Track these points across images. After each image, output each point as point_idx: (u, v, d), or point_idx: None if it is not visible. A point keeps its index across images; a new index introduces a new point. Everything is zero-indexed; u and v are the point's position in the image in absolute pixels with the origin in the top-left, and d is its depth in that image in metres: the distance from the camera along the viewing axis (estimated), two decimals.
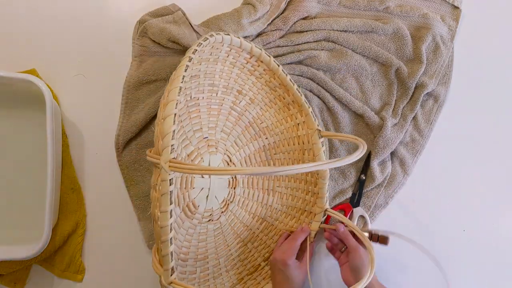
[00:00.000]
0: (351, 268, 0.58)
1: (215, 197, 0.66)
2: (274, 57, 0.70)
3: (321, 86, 0.71)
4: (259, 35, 0.71)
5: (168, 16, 0.68)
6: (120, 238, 0.69)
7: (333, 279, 0.69)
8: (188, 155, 0.62)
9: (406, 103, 0.72)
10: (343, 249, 0.62)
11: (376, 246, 0.61)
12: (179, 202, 0.60)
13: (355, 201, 0.70)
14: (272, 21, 0.71)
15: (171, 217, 0.45)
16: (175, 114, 0.45)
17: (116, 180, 0.69)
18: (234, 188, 0.68)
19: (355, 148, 0.66)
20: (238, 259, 0.67)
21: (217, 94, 0.65)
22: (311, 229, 0.65)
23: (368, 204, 0.70)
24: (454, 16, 0.74)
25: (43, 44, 0.69)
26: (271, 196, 0.71)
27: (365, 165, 0.71)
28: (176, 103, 0.45)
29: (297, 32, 0.72)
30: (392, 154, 0.71)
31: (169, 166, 0.43)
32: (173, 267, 0.47)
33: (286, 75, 0.64)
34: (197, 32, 0.68)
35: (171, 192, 0.45)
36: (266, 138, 0.69)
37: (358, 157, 0.46)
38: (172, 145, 0.45)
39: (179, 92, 0.46)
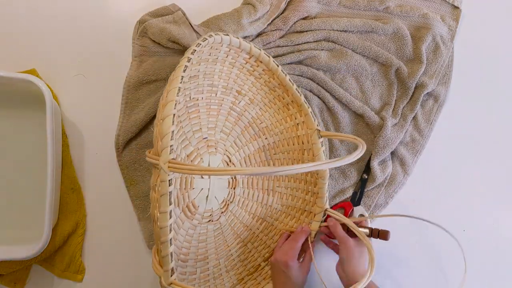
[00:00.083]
0: (340, 259, 0.59)
1: (215, 197, 0.66)
2: (274, 57, 0.70)
3: (321, 86, 0.71)
4: (259, 35, 0.71)
5: (168, 16, 0.68)
6: (120, 238, 0.69)
7: (334, 278, 0.69)
8: (187, 156, 0.62)
9: (406, 103, 0.72)
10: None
11: (373, 242, 0.61)
12: (179, 203, 0.60)
13: (356, 199, 0.70)
14: (272, 21, 0.71)
15: (170, 217, 0.45)
16: (174, 115, 0.45)
17: (116, 180, 0.69)
18: (234, 189, 0.68)
19: (355, 148, 0.65)
20: (238, 260, 0.67)
21: (216, 94, 0.65)
22: (311, 229, 0.65)
23: (368, 204, 0.70)
24: (454, 16, 0.74)
25: (43, 44, 0.69)
26: (271, 196, 0.70)
27: (366, 165, 0.71)
28: (175, 104, 0.45)
29: (297, 32, 0.72)
30: (392, 154, 0.71)
31: (168, 167, 0.43)
32: (173, 267, 0.47)
33: (285, 75, 0.64)
34: (197, 32, 0.68)
35: (170, 192, 0.45)
36: (266, 138, 0.69)
37: (357, 157, 0.46)
38: (171, 146, 0.45)
39: (178, 93, 0.46)
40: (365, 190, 0.70)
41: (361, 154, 0.48)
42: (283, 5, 0.71)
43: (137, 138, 0.68)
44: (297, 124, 0.67)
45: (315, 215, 0.66)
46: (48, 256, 0.66)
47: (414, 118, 0.72)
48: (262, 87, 0.67)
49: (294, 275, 0.58)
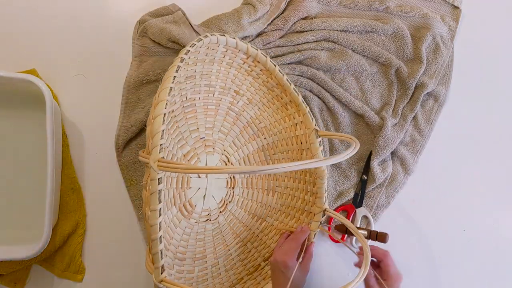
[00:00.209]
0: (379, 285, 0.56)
1: (213, 197, 0.66)
2: (274, 57, 0.70)
3: (321, 86, 0.71)
4: (259, 35, 0.71)
5: (168, 16, 0.68)
6: (120, 238, 0.69)
7: (333, 279, 0.69)
8: (184, 155, 0.63)
9: (406, 103, 0.72)
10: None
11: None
12: (175, 202, 0.61)
13: (357, 201, 0.70)
14: (272, 21, 0.71)
15: (160, 215, 0.46)
16: (164, 114, 0.45)
17: (116, 180, 0.69)
18: (233, 188, 0.68)
19: None
20: (238, 259, 0.67)
21: (214, 94, 0.65)
22: (310, 229, 0.65)
23: (370, 205, 0.70)
24: (454, 16, 0.74)
25: (43, 44, 0.69)
26: (270, 196, 0.71)
27: (366, 165, 0.71)
28: (167, 103, 0.46)
29: (297, 32, 0.72)
30: (393, 154, 0.71)
31: (158, 166, 0.44)
32: (163, 265, 0.47)
33: (283, 75, 0.64)
34: (197, 32, 0.68)
35: (160, 191, 0.45)
36: (265, 138, 0.69)
37: (348, 156, 0.46)
38: (161, 145, 0.45)
39: (169, 93, 0.47)
40: (366, 191, 0.70)
41: (352, 153, 0.48)
42: (283, 5, 0.71)
43: (137, 138, 0.68)
44: (296, 124, 0.67)
45: (314, 215, 0.66)
46: (48, 256, 0.66)
47: (414, 118, 0.72)
48: (261, 87, 0.67)
49: (293, 275, 0.58)
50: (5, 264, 0.64)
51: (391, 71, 0.72)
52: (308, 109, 0.65)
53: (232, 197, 0.68)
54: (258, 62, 0.63)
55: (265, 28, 0.71)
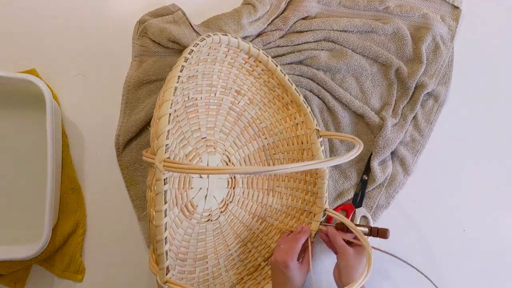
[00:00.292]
0: (338, 268, 0.59)
1: (214, 197, 0.66)
2: (274, 57, 0.70)
3: (321, 86, 0.71)
4: (259, 35, 0.71)
5: (168, 16, 0.68)
6: (120, 238, 0.69)
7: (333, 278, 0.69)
8: (186, 155, 0.62)
9: (406, 103, 0.72)
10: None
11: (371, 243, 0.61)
12: (177, 202, 0.61)
13: (357, 201, 0.70)
14: (272, 21, 0.71)
15: (165, 216, 0.46)
16: (169, 114, 0.45)
17: (116, 180, 0.69)
18: (234, 188, 0.68)
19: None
20: (238, 259, 0.67)
21: (215, 94, 0.65)
22: (311, 229, 0.65)
23: (370, 205, 0.70)
24: (454, 16, 0.74)
25: (43, 44, 0.69)
26: (271, 196, 0.71)
27: (366, 166, 0.71)
28: (171, 103, 0.46)
29: (297, 32, 0.72)
30: (393, 154, 0.71)
31: (164, 166, 0.44)
32: (168, 266, 0.47)
33: (284, 75, 0.64)
34: (197, 32, 0.68)
35: (165, 191, 0.45)
36: (266, 138, 0.69)
37: (353, 157, 0.46)
38: (166, 145, 0.45)
39: (174, 92, 0.46)
40: (366, 191, 0.70)
41: (356, 154, 0.47)
42: (283, 5, 0.71)
43: (137, 138, 0.68)
44: (297, 124, 0.67)
45: (314, 215, 0.66)
46: (48, 256, 0.66)
47: (414, 118, 0.72)
48: (262, 87, 0.67)
49: (293, 275, 0.58)
50: (5, 264, 0.64)
51: (391, 71, 0.72)
52: (309, 109, 0.65)
53: (233, 197, 0.68)
54: (260, 62, 0.63)
55: (265, 28, 0.71)
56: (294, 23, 0.71)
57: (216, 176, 0.66)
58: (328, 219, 0.70)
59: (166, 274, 0.47)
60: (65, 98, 0.69)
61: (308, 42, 0.71)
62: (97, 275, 0.68)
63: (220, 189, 0.67)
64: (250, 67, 0.64)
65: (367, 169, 0.70)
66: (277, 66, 0.63)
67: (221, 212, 0.67)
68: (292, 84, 0.65)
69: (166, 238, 0.46)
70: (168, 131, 0.45)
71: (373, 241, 0.67)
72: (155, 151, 0.45)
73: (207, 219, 0.65)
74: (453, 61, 0.74)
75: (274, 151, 0.70)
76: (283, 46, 0.71)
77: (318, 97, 0.72)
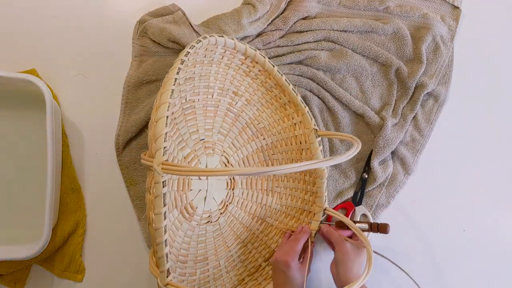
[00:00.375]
0: (335, 260, 0.59)
1: (213, 198, 0.66)
2: (274, 57, 0.70)
3: (321, 86, 0.71)
4: (259, 35, 0.71)
5: (168, 16, 0.68)
6: (120, 238, 0.69)
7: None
8: (184, 157, 0.62)
9: (406, 103, 0.72)
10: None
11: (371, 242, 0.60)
12: (176, 204, 0.61)
13: (357, 199, 0.70)
14: (272, 21, 0.71)
15: (165, 219, 0.45)
16: (167, 117, 0.45)
17: (116, 180, 0.69)
18: (233, 190, 0.68)
19: None
20: (239, 260, 0.67)
21: (213, 95, 0.65)
22: (311, 228, 0.65)
23: (370, 204, 0.70)
24: (454, 16, 0.74)
25: (43, 44, 0.69)
26: (270, 197, 0.70)
27: (366, 164, 0.71)
28: (169, 106, 0.46)
29: (297, 32, 0.72)
30: (393, 153, 0.71)
31: (162, 169, 0.44)
32: (169, 268, 0.47)
33: (281, 75, 0.64)
34: (197, 32, 0.68)
35: (164, 194, 0.45)
36: (264, 139, 0.69)
37: (351, 156, 0.46)
38: (164, 147, 0.45)
39: (171, 95, 0.46)
40: (367, 190, 0.70)
41: (355, 153, 0.47)
42: (283, 5, 0.71)
43: (137, 138, 0.68)
44: (295, 124, 0.67)
45: (314, 214, 0.66)
46: (48, 256, 0.66)
47: (414, 118, 0.72)
48: (259, 88, 0.67)
49: (294, 275, 0.58)
50: (5, 264, 0.64)
51: (391, 71, 0.72)
52: (307, 109, 0.65)
53: (232, 198, 0.68)
54: (257, 62, 0.63)
55: (265, 28, 0.71)
56: (294, 23, 0.71)
57: (215, 177, 0.65)
58: (328, 218, 0.70)
59: (167, 277, 0.47)
60: (65, 98, 0.69)
61: (308, 42, 0.71)
62: (97, 275, 0.68)
63: (219, 190, 0.67)
64: (247, 68, 0.64)
65: (367, 168, 0.70)
66: (274, 66, 0.63)
67: (221, 213, 0.67)
68: (289, 84, 0.65)
69: (166, 240, 0.46)
70: (166, 133, 0.45)
71: (373, 238, 0.67)
72: (153, 153, 0.45)
73: (207, 220, 0.65)
74: (453, 61, 0.74)
75: (273, 151, 0.70)
76: (283, 46, 0.71)
77: (318, 97, 0.72)
